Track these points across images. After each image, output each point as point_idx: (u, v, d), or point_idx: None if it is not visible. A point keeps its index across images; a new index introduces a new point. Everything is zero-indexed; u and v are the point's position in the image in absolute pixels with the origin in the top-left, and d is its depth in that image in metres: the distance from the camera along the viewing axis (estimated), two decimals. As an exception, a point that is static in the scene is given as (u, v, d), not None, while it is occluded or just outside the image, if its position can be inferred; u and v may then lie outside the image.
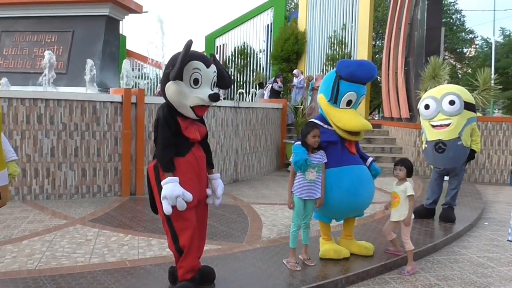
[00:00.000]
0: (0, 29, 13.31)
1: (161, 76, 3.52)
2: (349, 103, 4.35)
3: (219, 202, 3.78)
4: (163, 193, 3.34)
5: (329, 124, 4.43)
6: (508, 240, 4.41)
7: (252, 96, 16.09)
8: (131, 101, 7.43)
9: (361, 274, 4.24)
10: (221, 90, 19.17)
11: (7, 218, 5.85)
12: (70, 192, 7.20)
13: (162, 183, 3.37)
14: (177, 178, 3.37)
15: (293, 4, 32.85)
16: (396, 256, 4.68)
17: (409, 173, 4.53)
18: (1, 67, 12.95)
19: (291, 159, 4.26)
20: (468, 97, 6.07)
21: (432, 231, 5.82)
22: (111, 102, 7.39)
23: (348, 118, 4.32)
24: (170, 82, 3.41)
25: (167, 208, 3.34)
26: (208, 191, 3.71)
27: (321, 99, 4.49)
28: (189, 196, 3.38)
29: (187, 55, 3.32)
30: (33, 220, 5.83)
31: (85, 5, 12.61)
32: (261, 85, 17.07)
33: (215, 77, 3.57)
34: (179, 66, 3.30)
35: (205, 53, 20.66)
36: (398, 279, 4.35)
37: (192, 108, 3.43)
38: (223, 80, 3.68)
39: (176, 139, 3.45)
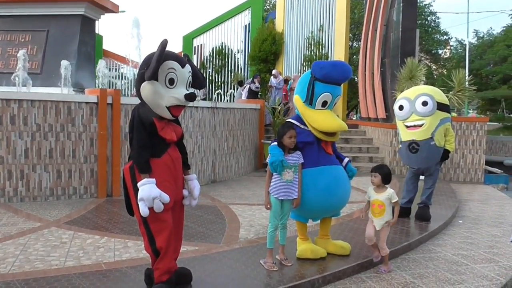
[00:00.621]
0: (-27, 29, 13.01)
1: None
2: (324, 104, 4.38)
3: (195, 203, 3.76)
4: (139, 194, 3.29)
5: (305, 125, 4.45)
6: (511, 241, 4.55)
7: (230, 96, 16.06)
8: (107, 101, 7.34)
9: (337, 274, 4.26)
10: (199, 90, 19.16)
11: (-21, 221, 5.73)
12: (45, 194, 7.08)
13: (138, 184, 3.33)
14: (153, 180, 3.34)
15: (270, 5, 32.93)
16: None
17: (385, 180, 4.45)
18: (-27, 67, 12.66)
19: (267, 160, 4.26)
20: (442, 98, 6.17)
21: (408, 229, 5.90)
22: (86, 102, 7.29)
23: (323, 119, 4.35)
24: (145, 82, 3.38)
25: (143, 210, 3.30)
26: (185, 192, 3.69)
27: (297, 100, 4.52)
28: (166, 197, 3.35)
29: (162, 55, 3.29)
30: (6, 223, 5.71)
31: (60, 4, 12.41)
32: (241, 84, 17.07)
33: (190, 77, 3.55)
34: (154, 66, 3.27)
35: (182, 54, 20.61)
36: (375, 277, 4.39)
37: (168, 108, 3.41)
38: (198, 80, 3.66)
39: (152, 140, 3.41)
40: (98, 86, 11.79)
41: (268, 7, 31.70)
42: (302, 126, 4.45)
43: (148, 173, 3.36)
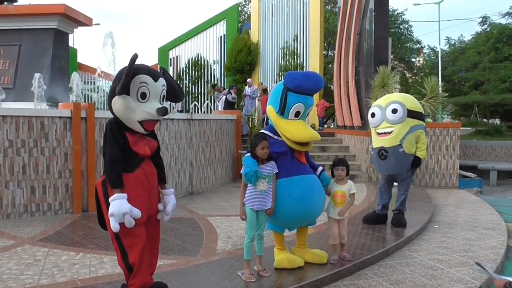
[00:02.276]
0: None
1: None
2: (297, 114, 4.41)
3: (167, 218, 3.71)
4: (110, 210, 3.26)
5: (279, 135, 4.47)
6: (476, 263, 4.67)
7: (207, 107, 16.07)
8: (81, 115, 7.27)
9: (315, 282, 4.28)
10: (177, 103, 19.10)
11: (-50, 241, 5.59)
12: (18, 211, 6.95)
13: (109, 199, 3.30)
14: (125, 195, 3.30)
15: (245, 15, 33.13)
16: (345, 260, 4.79)
17: (348, 172, 4.80)
18: None
19: (241, 171, 4.27)
20: (413, 105, 6.27)
21: (384, 236, 5.96)
22: (60, 117, 7.21)
23: (296, 129, 4.38)
24: (116, 97, 3.36)
25: (114, 226, 3.26)
26: (160, 207, 3.66)
27: (270, 110, 4.54)
28: (137, 212, 3.32)
29: (131, 69, 3.28)
30: (-22, 242, 5.59)
31: (32, 18, 12.25)
32: (214, 87, 17.15)
33: (164, 90, 3.52)
34: (124, 80, 3.26)
35: (158, 66, 20.53)
36: (352, 285, 4.42)
37: (140, 122, 3.38)
38: (174, 93, 3.64)
39: (124, 155, 3.38)
40: (72, 100, 11.64)
41: (243, 17, 31.89)
42: (276, 137, 4.47)
43: (119, 188, 3.33)
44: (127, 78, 3.27)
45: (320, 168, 4.72)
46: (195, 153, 9.51)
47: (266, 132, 4.53)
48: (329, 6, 30.83)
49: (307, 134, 4.40)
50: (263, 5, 20.32)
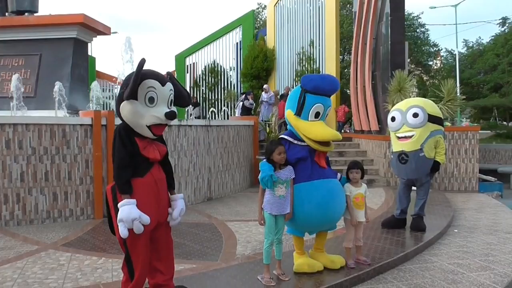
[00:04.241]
0: (-34, 54, 13.08)
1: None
2: (317, 115, 4.43)
3: (175, 223, 3.71)
4: (119, 215, 3.27)
5: (298, 139, 4.50)
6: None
7: (225, 113, 16.16)
8: (101, 123, 7.40)
9: (334, 287, 4.29)
10: (194, 110, 19.26)
11: (-24, 247, 5.73)
12: (41, 217, 7.09)
13: (118, 205, 3.31)
14: (134, 201, 3.31)
15: (261, 22, 33.26)
16: (364, 264, 4.80)
17: (363, 175, 4.82)
18: (-33, 92, 12.69)
19: (259, 177, 4.32)
20: (434, 110, 6.27)
21: (403, 240, 5.94)
22: (81, 125, 7.35)
23: (317, 129, 4.40)
24: (124, 102, 3.38)
25: (123, 231, 3.27)
26: (170, 211, 3.67)
27: (289, 114, 4.57)
28: (146, 219, 3.32)
29: (139, 74, 3.30)
30: (3, 247, 5.72)
31: (52, 28, 12.52)
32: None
33: (172, 95, 3.54)
34: (132, 85, 3.27)
35: (175, 73, 20.69)
36: (371, 289, 4.44)
37: (149, 127, 3.40)
38: (182, 98, 3.67)
39: (134, 160, 3.40)
40: (94, 108, 11.83)
41: (258, 24, 32.02)
42: (295, 141, 4.50)
43: (128, 194, 3.34)
44: (135, 83, 3.29)
45: (339, 175, 4.75)
46: (213, 159, 9.59)
47: (285, 136, 4.57)
48: (344, 11, 30.80)
49: (329, 133, 4.42)
50: (279, 11, 20.40)
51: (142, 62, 3.30)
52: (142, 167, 3.45)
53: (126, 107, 3.38)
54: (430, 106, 6.30)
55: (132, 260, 3.46)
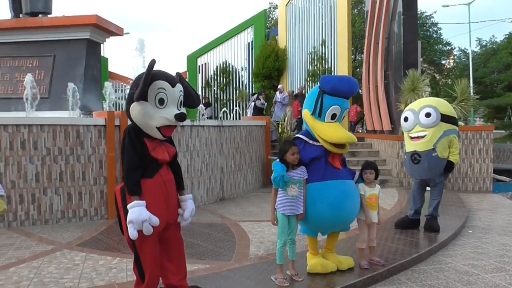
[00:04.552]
0: (-19, 56, 13.24)
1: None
2: (333, 116, 4.43)
3: (186, 223, 3.72)
4: (129, 217, 3.28)
5: (314, 139, 4.50)
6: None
7: (236, 113, 16.18)
8: (115, 123, 7.45)
9: (348, 287, 4.29)
10: (206, 110, 19.31)
11: (-7, 246, 5.81)
12: (56, 217, 7.16)
13: (128, 206, 3.31)
14: (143, 202, 3.32)
15: (272, 22, 33.24)
16: (378, 265, 4.78)
17: (377, 175, 4.81)
18: (-18, 93, 12.85)
19: (271, 177, 4.33)
20: (447, 110, 6.24)
21: (417, 241, 5.91)
22: (95, 125, 7.41)
23: (333, 131, 4.39)
24: (134, 103, 3.38)
25: (132, 233, 3.29)
26: (180, 211, 3.68)
27: (306, 114, 4.57)
28: (155, 220, 3.33)
29: (149, 75, 3.29)
30: (19, 247, 5.79)
31: (66, 29, 12.62)
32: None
33: (182, 96, 3.54)
34: (142, 86, 3.27)
35: (187, 73, 20.72)
36: (385, 290, 4.42)
37: (159, 128, 3.40)
38: (191, 99, 3.66)
39: (143, 161, 3.40)
40: (106, 109, 11.92)
41: (270, 24, 32.00)
42: (311, 141, 4.50)
43: (138, 195, 3.34)
44: (145, 84, 3.29)
45: (357, 174, 4.74)
46: (226, 159, 9.61)
47: (301, 136, 4.57)
48: (355, 10, 30.67)
49: (345, 135, 4.41)
50: (290, 11, 20.39)
51: (152, 63, 3.31)
52: (151, 168, 3.46)
53: (136, 108, 3.38)
54: (444, 106, 6.27)
55: (142, 261, 3.48)
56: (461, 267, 5.10)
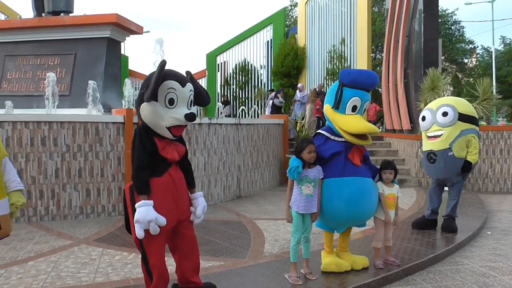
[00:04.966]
0: (4, 53, 13.50)
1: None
2: (354, 108, 4.41)
3: (199, 221, 3.73)
4: (136, 216, 3.30)
5: (335, 135, 4.49)
6: None
7: (254, 111, 16.20)
8: (133, 121, 7.53)
9: (362, 287, 4.27)
10: (225, 108, 19.38)
11: (13, 240, 5.92)
12: (75, 213, 7.27)
13: (136, 206, 3.33)
14: (151, 202, 3.33)
15: (292, 20, 33.15)
16: (393, 265, 4.76)
17: (396, 175, 4.80)
18: (5, 90, 13.11)
19: (287, 170, 4.34)
20: (466, 109, 6.17)
21: (434, 241, 5.84)
22: (113, 122, 7.49)
23: (354, 122, 4.37)
24: (144, 103, 3.39)
25: (139, 232, 3.31)
26: (192, 209, 3.70)
27: (327, 108, 4.56)
28: (162, 220, 3.34)
29: (160, 76, 3.30)
30: (38, 241, 5.90)
31: (87, 28, 12.80)
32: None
33: (192, 95, 3.55)
34: (153, 86, 3.28)
35: (206, 71, 20.79)
36: (400, 290, 4.39)
37: (169, 128, 3.41)
38: (201, 98, 3.68)
39: (152, 160, 3.42)
40: (125, 106, 12.05)
41: (289, 22, 31.92)
42: (332, 137, 4.49)
43: (146, 194, 3.36)
44: (156, 85, 3.30)
45: (377, 177, 4.74)
46: (243, 157, 9.63)
47: (322, 131, 4.57)
48: (376, 8, 30.41)
49: (366, 126, 4.38)
50: (310, 9, 20.32)
51: (163, 63, 3.32)
52: (160, 167, 3.47)
53: (146, 108, 3.40)
54: (462, 105, 6.20)
55: (149, 260, 3.49)
56: (478, 269, 5.03)
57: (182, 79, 3.48)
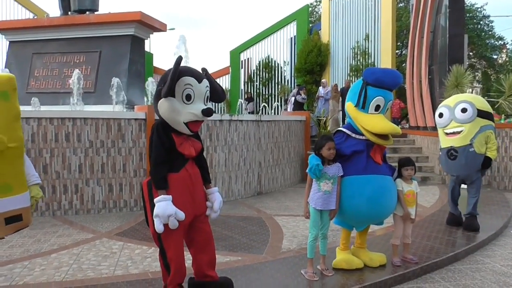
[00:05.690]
0: (32, 51, 13.84)
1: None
2: (377, 108, 4.39)
3: (216, 215, 3.78)
4: (155, 211, 3.35)
5: (357, 133, 4.47)
6: None
7: (276, 108, 16.17)
8: (155, 117, 7.60)
9: (378, 284, 4.26)
10: (248, 105, 19.42)
11: (38, 233, 6.09)
12: (97, 207, 7.42)
13: (155, 200, 3.39)
14: (170, 197, 3.39)
15: (316, 16, 32.96)
16: (411, 262, 4.72)
17: (415, 172, 4.83)
18: (33, 88, 13.44)
19: (307, 170, 4.34)
20: (483, 105, 6.11)
21: (455, 240, 5.76)
22: (135, 119, 7.61)
23: (376, 122, 4.35)
24: (162, 100, 3.45)
25: (158, 227, 3.36)
26: (209, 204, 3.75)
27: (349, 106, 4.55)
28: (181, 215, 3.40)
29: (177, 72, 3.35)
30: (62, 235, 6.05)
31: (111, 26, 13.02)
32: (287, 101, 17.24)
33: (208, 91, 3.59)
34: (170, 83, 3.33)
35: (230, 68, 20.86)
36: (417, 288, 4.35)
37: (186, 124, 3.46)
38: (216, 94, 3.71)
39: (170, 155, 3.47)
40: (149, 103, 12.21)
41: (313, 18, 31.75)
42: (353, 135, 4.48)
43: (164, 189, 3.42)
44: (173, 81, 3.36)
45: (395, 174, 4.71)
46: (264, 154, 9.66)
47: (343, 129, 4.56)
48: (403, 4, 29.98)
49: (388, 126, 4.36)
50: (334, 5, 20.16)
51: (179, 59, 3.37)
52: (178, 162, 3.53)
53: (163, 105, 3.46)
54: (479, 101, 6.14)
55: (167, 254, 3.56)
56: (499, 268, 4.95)
57: (198, 75, 3.53)
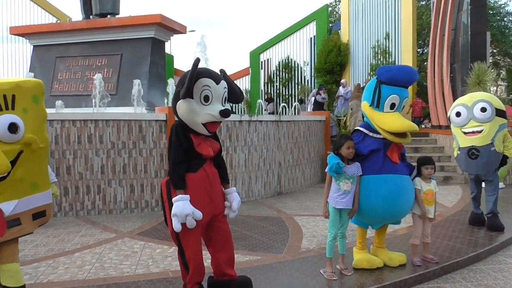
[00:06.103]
0: (55, 55, 14.11)
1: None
2: (392, 106, 4.37)
3: (234, 215, 3.81)
4: (173, 210, 3.41)
5: (374, 131, 4.46)
6: None
7: (295, 108, 16.13)
8: (175, 119, 7.68)
9: (398, 283, 4.24)
10: (268, 105, 19.43)
11: (62, 233, 6.22)
12: (119, 207, 7.53)
13: (173, 200, 3.44)
14: (188, 196, 3.43)
15: (336, 16, 32.80)
16: (431, 262, 4.69)
17: (434, 171, 4.79)
18: (56, 91, 13.70)
19: (326, 170, 4.35)
20: (499, 104, 6.08)
21: (477, 240, 5.69)
22: (156, 120, 7.71)
23: (393, 120, 4.32)
24: (180, 101, 3.49)
25: (176, 226, 3.41)
26: (227, 204, 3.79)
27: (365, 105, 4.54)
28: (199, 214, 3.44)
29: (194, 74, 3.40)
30: (85, 234, 6.16)
31: (132, 29, 13.19)
32: (301, 101, 17.19)
33: (226, 92, 3.63)
34: (188, 84, 3.38)
35: (250, 69, 20.88)
36: (437, 288, 4.32)
37: (204, 124, 3.51)
38: (235, 95, 3.75)
39: (188, 155, 3.52)
40: (169, 104, 12.34)
41: (332, 19, 31.59)
42: (371, 134, 4.47)
43: (183, 189, 3.47)
44: (191, 82, 3.40)
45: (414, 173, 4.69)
46: (284, 154, 9.67)
47: (360, 128, 4.55)
48: (424, 2, 29.64)
49: (405, 124, 4.31)
50: (353, 4, 20.05)
51: (197, 61, 3.41)
52: (196, 162, 3.58)
53: (182, 106, 3.51)
54: (496, 100, 6.11)
55: (185, 253, 3.62)
56: (523, 268, 4.88)
57: (216, 77, 3.57)
